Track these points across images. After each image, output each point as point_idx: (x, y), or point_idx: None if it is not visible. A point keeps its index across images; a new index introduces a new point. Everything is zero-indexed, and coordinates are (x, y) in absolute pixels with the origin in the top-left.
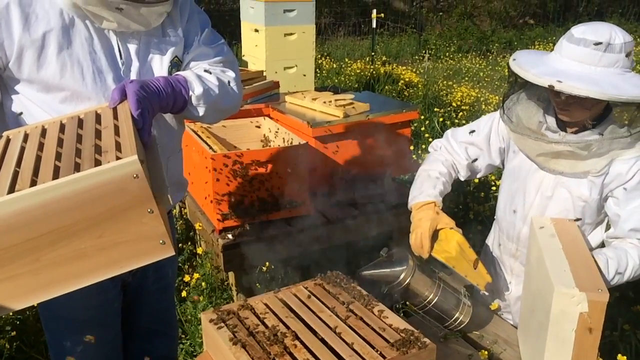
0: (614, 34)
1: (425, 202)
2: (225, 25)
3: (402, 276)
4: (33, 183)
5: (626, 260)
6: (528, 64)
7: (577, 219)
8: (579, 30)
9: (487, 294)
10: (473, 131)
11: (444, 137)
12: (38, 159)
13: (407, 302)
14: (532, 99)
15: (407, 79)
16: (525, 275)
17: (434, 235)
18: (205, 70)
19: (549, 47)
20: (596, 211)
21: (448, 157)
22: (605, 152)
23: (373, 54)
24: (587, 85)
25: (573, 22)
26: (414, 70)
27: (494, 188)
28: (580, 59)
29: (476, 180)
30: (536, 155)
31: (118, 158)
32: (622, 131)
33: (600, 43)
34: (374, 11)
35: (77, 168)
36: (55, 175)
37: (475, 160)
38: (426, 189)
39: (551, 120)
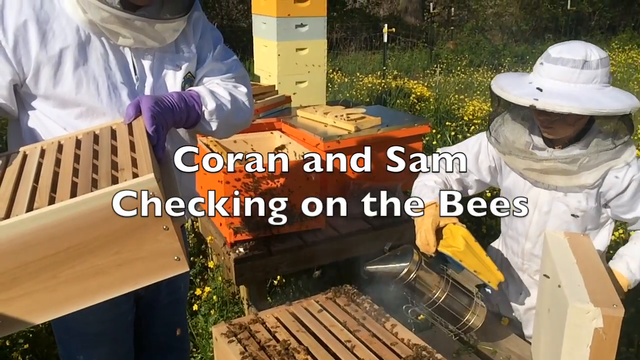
0: (589, 51)
1: (427, 203)
2: (238, 41)
3: (405, 270)
4: (51, 200)
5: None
6: (509, 86)
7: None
8: (556, 50)
9: (496, 290)
10: (464, 152)
11: (439, 150)
12: (55, 175)
13: (415, 301)
14: (516, 120)
15: (418, 93)
16: (538, 290)
17: (440, 234)
18: (218, 86)
19: None
20: (597, 217)
21: (439, 176)
22: (595, 165)
23: (384, 68)
24: (568, 101)
25: (585, 35)
26: (426, 84)
27: None
28: (559, 78)
29: (488, 194)
30: (528, 172)
31: (135, 175)
32: (606, 143)
33: (577, 61)
34: (385, 26)
35: (95, 184)
36: (73, 192)
37: (466, 175)
38: (425, 194)
39: (537, 139)
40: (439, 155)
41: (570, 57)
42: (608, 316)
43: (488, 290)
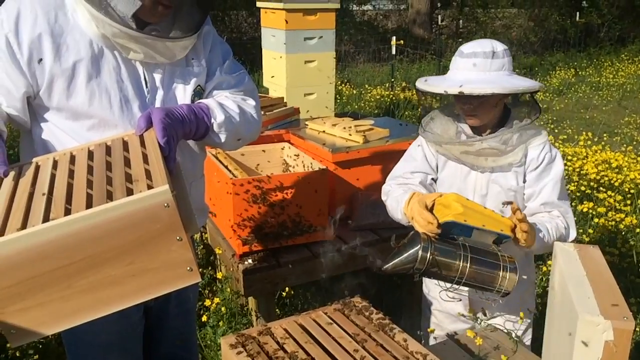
0: (494, 44)
1: (407, 198)
2: (247, 53)
3: (420, 253)
4: (67, 211)
5: (545, 227)
6: (435, 82)
7: (509, 202)
8: (467, 47)
9: (511, 237)
10: (411, 160)
11: (386, 182)
12: (69, 186)
13: (446, 282)
14: (444, 114)
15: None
16: (548, 303)
17: (433, 213)
18: (227, 99)
19: (570, 72)
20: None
21: (403, 186)
22: (519, 143)
23: (393, 80)
24: (489, 85)
25: (594, 47)
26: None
27: None
28: (475, 69)
29: None
30: (464, 156)
31: (149, 187)
32: (524, 122)
33: (487, 52)
34: (394, 38)
35: (110, 196)
36: (89, 203)
37: (425, 178)
38: (400, 197)
39: (466, 127)
40: (394, 178)
41: (480, 50)
42: (619, 329)
43: (505, 242)
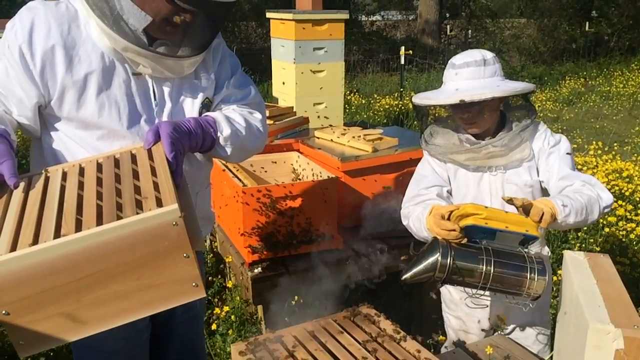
0: (483, 52)
1: (427, 214)
2: (257, 64)
3: (440, 260)
4: (78, 224)
5: (565, 195)
6: (433, 95)
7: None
8: (458, 58)
9: (538, 237)
10: (422, 178)
11: (403, 206)
12: (79, 197)
13: (471, 288)
14: (441, 127)
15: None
16: (559, 311)
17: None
18: (234, 112)
19: (580, 82)
20: (544, 189)
21: (421, 204)
22: (523, 141)
23: (402, 89)
24: (487, 90)
25: (604, 56)
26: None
27: None
28: (470, 77)
29: None
30: (470, 161)
31: (158, 203)
32: (524, 122)
33: (478, 60)
34: (402, 48)
35: (120, 208)
36: (99, 217)
37: (441, 191)
38: (422, 214)
39: (467, 136)
40: (414, 200)
41: (472, 60)
42: (629, 337)
43: (532, 243)
